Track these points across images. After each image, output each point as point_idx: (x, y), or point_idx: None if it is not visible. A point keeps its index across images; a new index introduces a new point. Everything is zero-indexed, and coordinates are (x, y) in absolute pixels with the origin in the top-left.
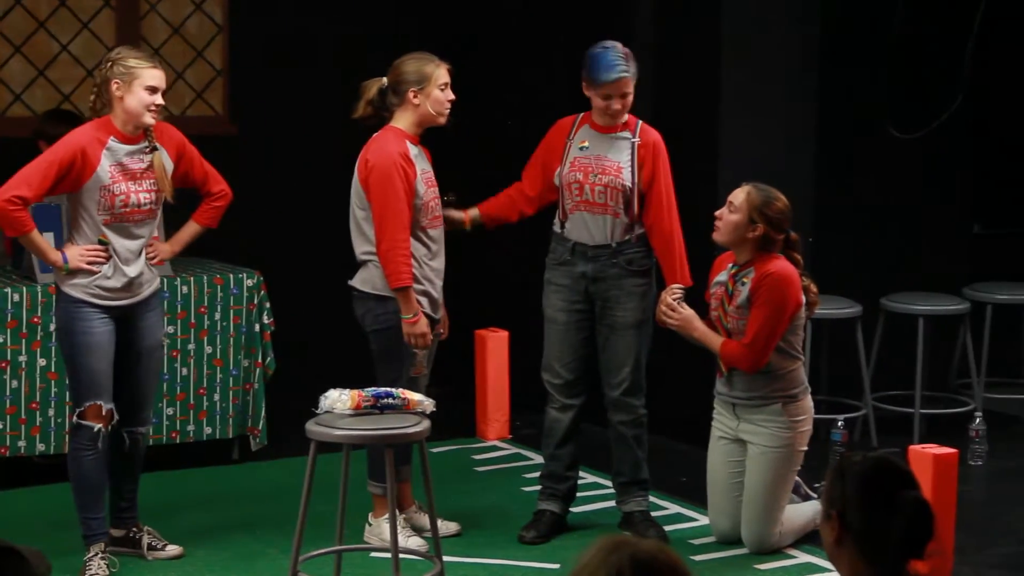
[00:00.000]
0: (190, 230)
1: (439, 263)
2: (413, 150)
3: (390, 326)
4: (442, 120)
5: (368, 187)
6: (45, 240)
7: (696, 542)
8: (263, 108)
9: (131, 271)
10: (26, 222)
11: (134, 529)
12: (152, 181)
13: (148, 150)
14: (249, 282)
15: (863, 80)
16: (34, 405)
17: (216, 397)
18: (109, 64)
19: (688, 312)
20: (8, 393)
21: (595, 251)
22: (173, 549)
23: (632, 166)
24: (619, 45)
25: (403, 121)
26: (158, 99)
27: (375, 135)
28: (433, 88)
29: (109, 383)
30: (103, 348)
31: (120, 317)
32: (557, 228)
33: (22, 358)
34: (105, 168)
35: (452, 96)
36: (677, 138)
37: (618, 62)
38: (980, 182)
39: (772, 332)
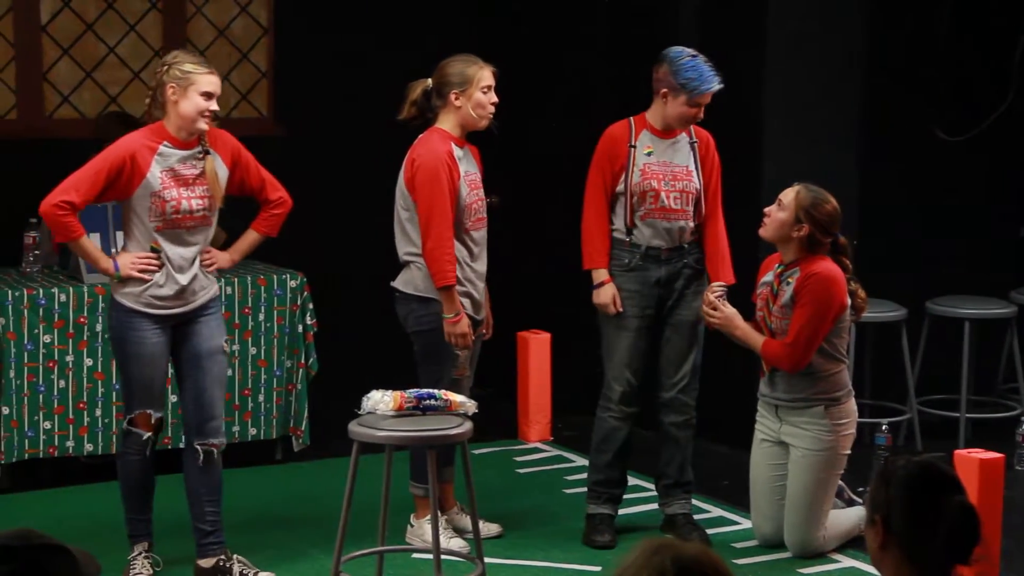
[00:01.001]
0: (249, 239)
1: (481, 265)
2: (458, 151)
3: (432, 327)
4: (484, 123)
5: (414, 187)
6: (95, 246)
7: (738, 546)
8: (308, 110)
9: (183, 279)
10: (75, 228)
11: (222, 558)
12: (205, 188)
13: (201, 155)
14: (292, 283)
15: (909, 81)
16: (81, 405)
17: (260, 398)
18: (165, 68)
19: (730, 311)
20: (56, 393)
21: (669, 254)
22: None
23: (696, 168)
24: (696, 52)
25: (447, 123)
26: (213, 105)
27: (420, 136)
28: (475, 90)
29: (161, 393)
30: (156, 358)
31: (175, 326)
32: (622, 235)
33: (69, 358)
34: (155, 174)
35: (495, 99)
36: (720, 139)
37: (713, 71)
38: None
39: (815, 332)
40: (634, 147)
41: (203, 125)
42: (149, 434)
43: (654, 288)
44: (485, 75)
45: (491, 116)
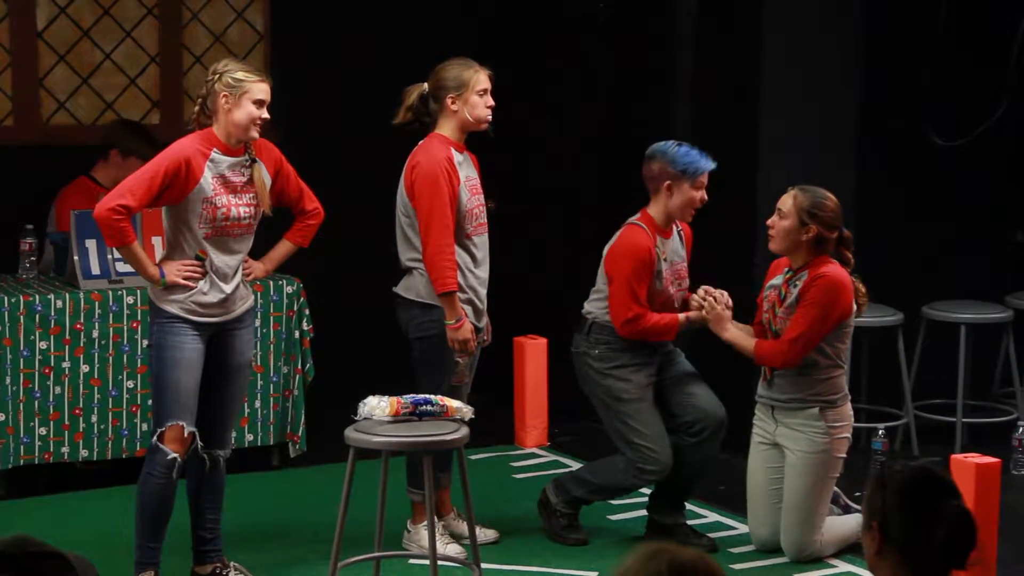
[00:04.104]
0: (283, 248)
1: (484, 272)
2: (458, 157)
3: (433, 334)
4: (483, 126)
5: (413, 193)
6: (144, 253)
7: (736, 550)
8: (304, 116)
9: (228, 287)
10: (128, 233)
11: (219, 565)
12: (252, 195)
13: (248, 163)
14: (289, 289)
15: (905, 86)
16: (77, 411)
17: (257, 404)
18: (217, 76)
19: (726, 312)
20: (52, 399)
21: None
22: None
23: (685, 259)
24: (679, 142)
25: (446, 128)
26: (265, 113)
27: (421, 142)
28: (471, 94)
29: (194, 403)
30: (192, 365)
31: (212, 335)
32: None
33: (65, 364)
34: (208, 180)
35: (491, 102)
36: (717, 144)
37: (703, 153)
38: (1023, 189)
39: (814, 333)
40: (659, 254)
41: (254, 133)
42: (176, 455)
43: (655, 356)
44: (481, 78)
45: (488, 120)
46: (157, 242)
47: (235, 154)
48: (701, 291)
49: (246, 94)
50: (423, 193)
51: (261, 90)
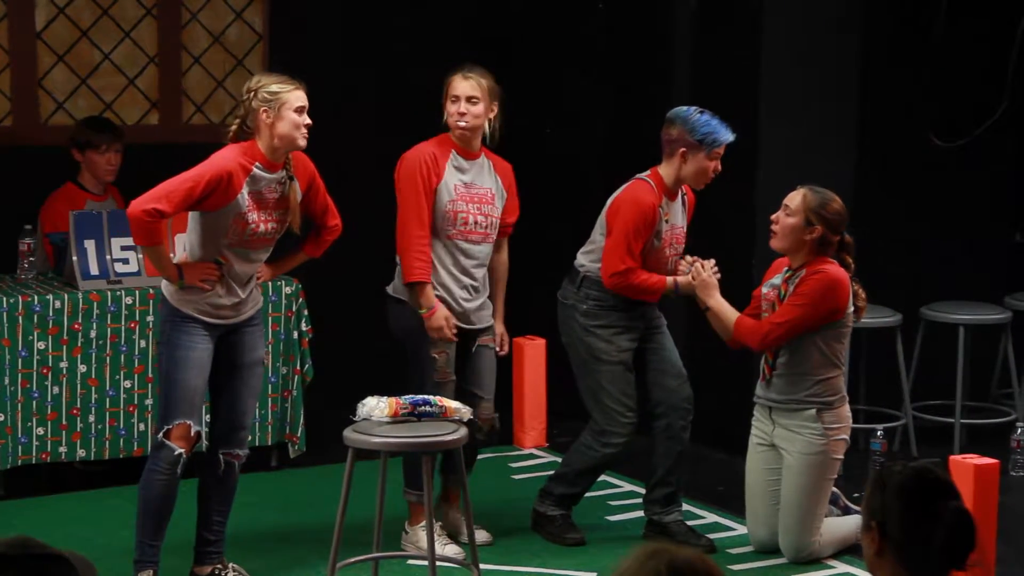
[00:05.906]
0: (298, 258)
1: (467, 278)
2: (461, 161)
3: (410, 327)
4: (456, 133)
5: (398, 186)
6: (168, 255)
7: (734, 551)
8: None
9: (243, 292)
10: (158, 234)
11: (218, 566)
12: (281, 212)
13: (284, 180)
14: (288, 289)
15: (905, 87)
16: (75, 411)
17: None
18: (252, 94)
19: (712, 279)
20: (49, 399)
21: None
22: None
23: (685, 226)
24: (702, 109)
25: (453, 132)
26: (306, 119)
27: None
28: (447, 101)
29: (201, 403)
30: (201, 365)
31: (222, 335)
32: None
33: (63, 364)
34: (244, 196)
35: (463, 109)
36: None
37: (724, 124)
38: (1022, 190)
39: (798, 323)
40: (662, 215)
41: (302, 141)
42: (182, 451)
43: (641, 320)
44: (456, 85)
45: (460, 127)
46: None
47: (275, 169)
48: (688, 258)
49: (284, 105)
50: (400, 185)
51: (298, 97)
